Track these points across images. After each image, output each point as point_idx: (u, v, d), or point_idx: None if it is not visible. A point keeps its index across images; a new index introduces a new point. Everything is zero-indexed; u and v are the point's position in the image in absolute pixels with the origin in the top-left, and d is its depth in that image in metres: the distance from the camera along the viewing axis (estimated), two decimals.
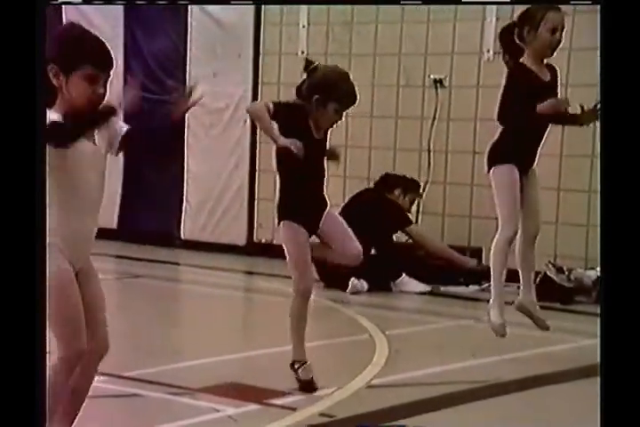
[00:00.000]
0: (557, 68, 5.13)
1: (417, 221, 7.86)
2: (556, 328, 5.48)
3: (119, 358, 4.85)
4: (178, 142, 9.09)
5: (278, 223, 4.38)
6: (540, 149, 5.13)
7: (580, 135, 7.39)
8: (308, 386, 4.37)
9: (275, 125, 4.21)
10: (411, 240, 7.46)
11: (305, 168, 4.26)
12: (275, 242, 8.52)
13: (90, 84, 3.04)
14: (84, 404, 3.32)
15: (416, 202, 7.72)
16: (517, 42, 4.91)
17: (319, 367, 4.39)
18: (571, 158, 7.42)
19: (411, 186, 7.63)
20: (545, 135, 5.13)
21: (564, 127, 7.40)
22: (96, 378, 4.22)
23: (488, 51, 7.76)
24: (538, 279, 7.04)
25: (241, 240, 8.93)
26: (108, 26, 9.28)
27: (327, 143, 4.46)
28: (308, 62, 4.39)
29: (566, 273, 7.02)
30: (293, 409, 4.17)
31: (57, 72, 3.02)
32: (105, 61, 3.07)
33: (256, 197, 8.87)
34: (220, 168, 8.99)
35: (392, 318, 6.49)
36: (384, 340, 5.52)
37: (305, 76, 4.39)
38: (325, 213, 4.38)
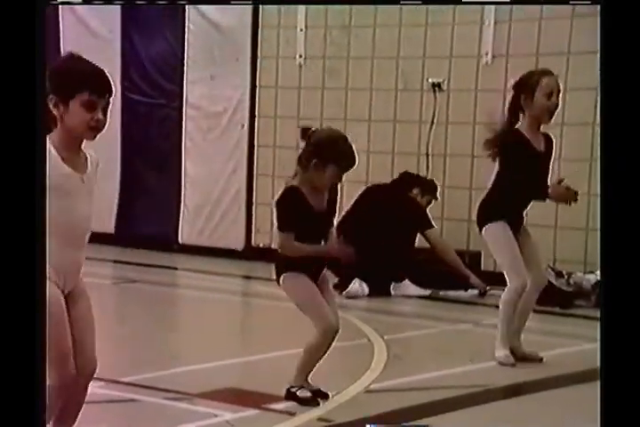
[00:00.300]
0: (553, 138, 5.19)
1: None
2: (556, 333, 5.47)
3: (117, 363, 4.84)
4: (175, 146, 9.11)
5: (279, 277, 4.32)
6: (527, 208, 5.16)
7: (579, 139, 7.39)
8: (318, 395, 4.33)
9: (310, 247, 4.23)
10: (428, 244, 7.40)
11: (312, 237, 4.26)
12: (273, 246, 8.51)
13: (88, 110, 3.05)
14: (83, 409, 3.30)
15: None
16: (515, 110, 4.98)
17: (318, 372, 4.37)
18: (569, 162, 7.40)
19: (429, 187, 7.54)
20: (542, 197, 5.11)
21: (562, 132, 7.44)
22: (93, 384, 4.21)
23: (486, 54, 7.76)
24: None
25: (239, 245, 8.92)
26: (106, 29, 9.28)
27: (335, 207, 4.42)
28: (305, 129, 4.38)
29: (565, 277, 7.01)
30: (292, 414, 4.15)
31: (56, 102, 3.05)
32: (103, 88, 3.08)
33: (254, 201, 8.85)
34: (217, 172, 8.97)
35: (391, 323, 6.47)
36: (383, 344, 5.51)
37: (304, 144, 4.34)
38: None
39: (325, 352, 4.29)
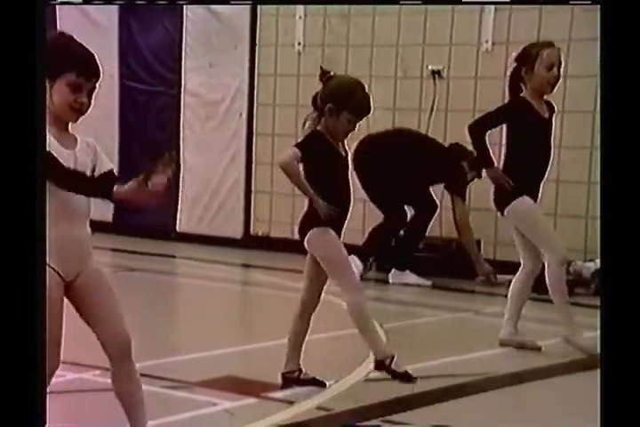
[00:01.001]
0: (555, 106, 5.21)
1: None
2: (555, 321, 5.45)
3: None
4: (173, 135, 9.08)
5: (306, 232, 4.27)
6: (543, 180, 5.17)
7: (580, 127, 7.37)
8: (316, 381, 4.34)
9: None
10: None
11: (337, 183, 4.26)
12: (272, 235, 8.50)
13: (72, 91, 3.02)
14: (80, 397, 3.28)
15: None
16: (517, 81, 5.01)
17: (316, 361, 4.36)
18: (569, 150, 7.38)
19: (477, 165, 7.37)
20: (548, 167, 5.17)
21: (562, 119, 7.41)
22: (92, 372, 4.20)
23: (486, 41, 7.72)
24: None
25: (237, 233, 8.90)
26: (104, 17, 9.24)
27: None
28: (324, 72, 4.31)
29: (565, 265, 6.98)
30: (291, 403, 4.15)
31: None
32: (90, 70, 3.06)
33: (253, 189, 8.83)
34: (216, 161, 8.95)
35: (390, 311, 6.46)
36: (382, 333, 5.49)
37: (321, 85, 4.30)
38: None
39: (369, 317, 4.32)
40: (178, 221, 9.15)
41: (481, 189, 7.07)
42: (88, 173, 3.11)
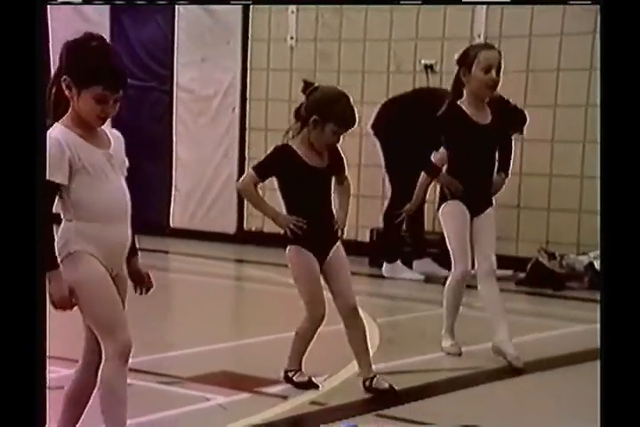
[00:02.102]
0: (508, 108, 5.04)
1: None
2: (548, 314, 5.47)
3: None
4: (166, 130, 9.06)
5: (285, 247, 4.24)
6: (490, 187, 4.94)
7: (572, 121, 7.38)
8: (309, 385, 4.31)
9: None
10: None
11: (310, 198, 4.19)
12: (265, 230, 8.49)
13: (98, 103, 3.04)
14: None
15: None
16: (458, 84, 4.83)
17: (310, 356, 4.36)
18: (562, 144, 7.39)
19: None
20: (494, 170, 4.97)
21: (555, 113, 7.41)
22: None
23: (479, 36, 7.71)
24: (529, 265, 7.06)
25: (231, 228, 8.89)
26: (96, 13, 9.21)
27: (341, 164, 4.32)
28: (307, 84, 4.24)
29: (558, 259, 7.01)
30: (284, 398, 4.15)
31: (69, 85, 3.04)
32: (117, 83, 3.06)
33: None
34: (209, 156, 8.94)
35: (383, 306, 6.47)
36: (375, 327, 5.50)
37: (304, 97, 4.24)
38: (335, 246, 4.23)
39: (313, 336, 4.27)
40: (171, 217, 9.14)
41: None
42: (124, 171, 3.16)
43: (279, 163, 4.17)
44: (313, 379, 4.32)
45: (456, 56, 4.91)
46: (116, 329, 3.06)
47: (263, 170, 4.19)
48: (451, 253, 4.87)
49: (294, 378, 4.29)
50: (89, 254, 3.05)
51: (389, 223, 7.12)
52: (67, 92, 3.04)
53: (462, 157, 4.83)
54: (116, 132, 3.23)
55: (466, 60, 4.77)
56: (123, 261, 3.18)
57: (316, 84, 4.27)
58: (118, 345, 3.05)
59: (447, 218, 4.87)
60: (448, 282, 5.00)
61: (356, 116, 4.22)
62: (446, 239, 4.89)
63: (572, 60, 7.22)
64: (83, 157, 3.03)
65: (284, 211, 4.28)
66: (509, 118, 5.59)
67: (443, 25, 7.87)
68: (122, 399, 3.11)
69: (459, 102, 4.82)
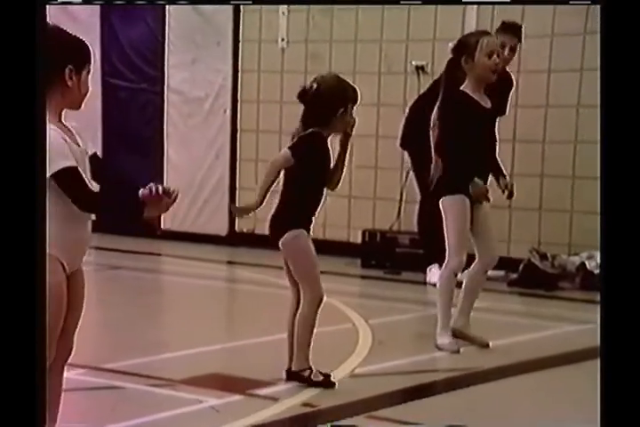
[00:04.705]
0: (503, 90, 5.15)
1: (400, 211, 7.85)
2: (540, 315, 5.47)
3: (99, 350, 4.81)
4: (157, 132, 9.04)
5: (283, 233, 4.27)
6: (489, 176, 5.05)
7: (563, 122, 7.38)
8: (328, 384, 4.30)
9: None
10: None
11: (320, 185, 4.35)
12: (257, 232, 8.48)
13: (87, 80, 3.08)
14: (64, 397, 3.26)
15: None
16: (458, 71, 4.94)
17: None
18: (553, 144, 7.40)
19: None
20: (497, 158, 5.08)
21: (546, 111, 7.42)
22: (76, 371, 4.18)
23: None
24: (521, 266, 7.06)
25: (222, 230, 8.88)
26: (85, 13, 9.18)
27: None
28: (308, 87, 4.33)
29: (550, 259, 7.01)
30: (276, 399, 4.13)
31: (70, 73, 3.03)
32: (90, 57, 3.11)
33: (237, 186, 8.81)
34: (200, 158, 8.92)
35: (375, 307, 6.46)
36: (367, 329, 5.49)
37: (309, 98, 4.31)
38: None
39: (315, 321, 4.26)
40: (162, 219, 9.12)
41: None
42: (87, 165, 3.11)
43: (313, 147, 4.27)
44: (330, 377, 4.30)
45: (451, 45, 5.06)
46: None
47: (298, 152, 4.25)
48: (447, 244, 4.95)
49: (312, 377, 4.26)
50: (55, 259, 2.98)
51: (424, 228, 7.07)
52: (69, 83, 3.02)
53: (470, 142, 4.87)
54: (77, 127, 3.16)
55: (467, 48, 4.91)
56: (82, 258, 3.14)
57: (313, 84, 4.33)
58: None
59: (449, 211, 4.94)
60: (441, 273, 5.06)
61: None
62: (444, 231, 4.96)
63: (563, 60, 7.23)
64: (73, 154, 2.99)
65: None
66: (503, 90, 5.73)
67: (434, 26, 7.87)
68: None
69: (462, 89, 4.92)
